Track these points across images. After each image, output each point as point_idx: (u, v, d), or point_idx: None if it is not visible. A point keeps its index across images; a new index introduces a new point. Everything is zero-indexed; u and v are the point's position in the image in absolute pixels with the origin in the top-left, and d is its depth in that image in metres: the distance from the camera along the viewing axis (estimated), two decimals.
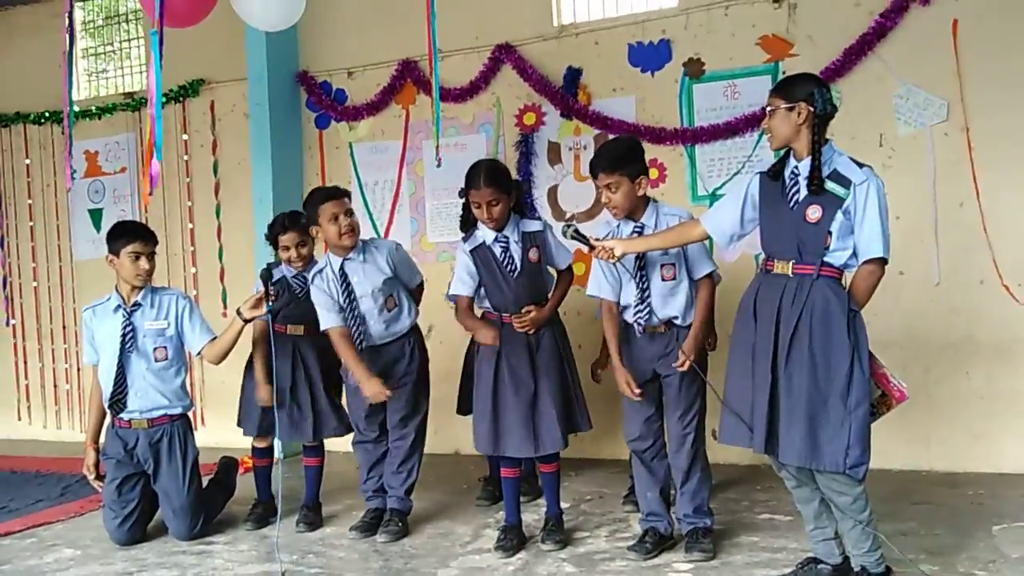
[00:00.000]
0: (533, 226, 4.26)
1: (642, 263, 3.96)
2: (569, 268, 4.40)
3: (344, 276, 4.45)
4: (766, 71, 5.61)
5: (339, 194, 4.50)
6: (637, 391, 3.96)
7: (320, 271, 4.51)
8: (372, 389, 4.33)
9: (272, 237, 4.82)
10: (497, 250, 4.20)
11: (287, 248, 4.76)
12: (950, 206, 5.24)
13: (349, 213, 4.45)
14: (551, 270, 4.40)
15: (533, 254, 4.21)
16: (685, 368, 3.90)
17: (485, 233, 4.23)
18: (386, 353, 4.55)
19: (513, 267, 4.18)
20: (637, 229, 3.99)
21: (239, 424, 4.95)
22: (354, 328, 4.45)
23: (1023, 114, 5.07)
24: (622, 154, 3.96)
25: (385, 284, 4.48)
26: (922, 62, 5.26)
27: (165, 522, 4.72)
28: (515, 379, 4.15)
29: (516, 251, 4.20)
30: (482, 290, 4.27)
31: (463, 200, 4.28)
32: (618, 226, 4.07)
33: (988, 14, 5.14)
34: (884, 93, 5.35)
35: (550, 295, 4.31)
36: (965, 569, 3.66)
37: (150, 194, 4.03)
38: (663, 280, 3.96)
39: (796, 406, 3.27)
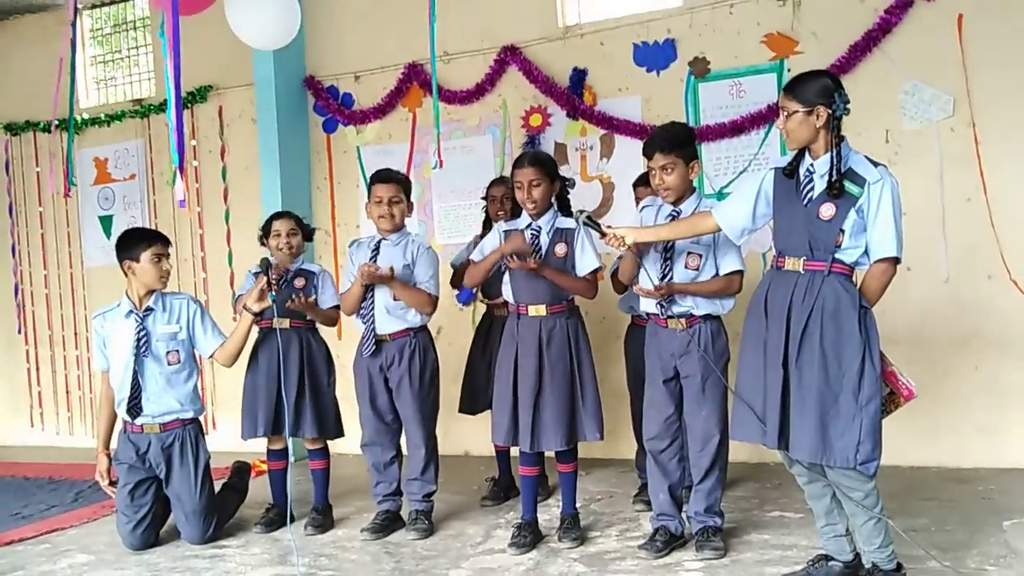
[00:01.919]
0: (569, 223, 4.24)
1: (670, 252, 3.99)
2: (587, 281, 4.21)
3: (376, 249, 4.64)
4: (771, 69, 5.62)
5: (391, 179, 4.63)
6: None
7: (360, 240, 4.81)
8: (364, 269, 4.48)
9: (266, 227, 4.93)
10: (527, 236, 4.21)
11: (279, 234, 4.85)
12: (957, 201, 5.24)
13: (393, 201, 4.57)
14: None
15: (560, 249, 4.19)
16: (647, 292, 3.93)
17: (522, 221, 4.28)
18: (386, 349, 4.59)
19: (538, 257, 4.16)
20: (674, 214, 4.01)
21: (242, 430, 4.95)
22: (367, 301, 4.59)
23: None
24: (679, 136, 4.01)
25: (403, 269, 4.56)
26: (927, 57, 5.26)
27: (178, 526, 4.73)
28: (524, 374, 4.17)
29: (544, 242, 4.20)
30: (505, 276, 4.28)
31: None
32: (660, 207, 4.09)
33: (993, 8, 5.14)
34: (890, 89, 5.35)
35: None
36: (976, 565, 3.65)
37: (181, 204, 4.24)
38: (686, 268, 3.98)
39: (807, 402, 3.27)
